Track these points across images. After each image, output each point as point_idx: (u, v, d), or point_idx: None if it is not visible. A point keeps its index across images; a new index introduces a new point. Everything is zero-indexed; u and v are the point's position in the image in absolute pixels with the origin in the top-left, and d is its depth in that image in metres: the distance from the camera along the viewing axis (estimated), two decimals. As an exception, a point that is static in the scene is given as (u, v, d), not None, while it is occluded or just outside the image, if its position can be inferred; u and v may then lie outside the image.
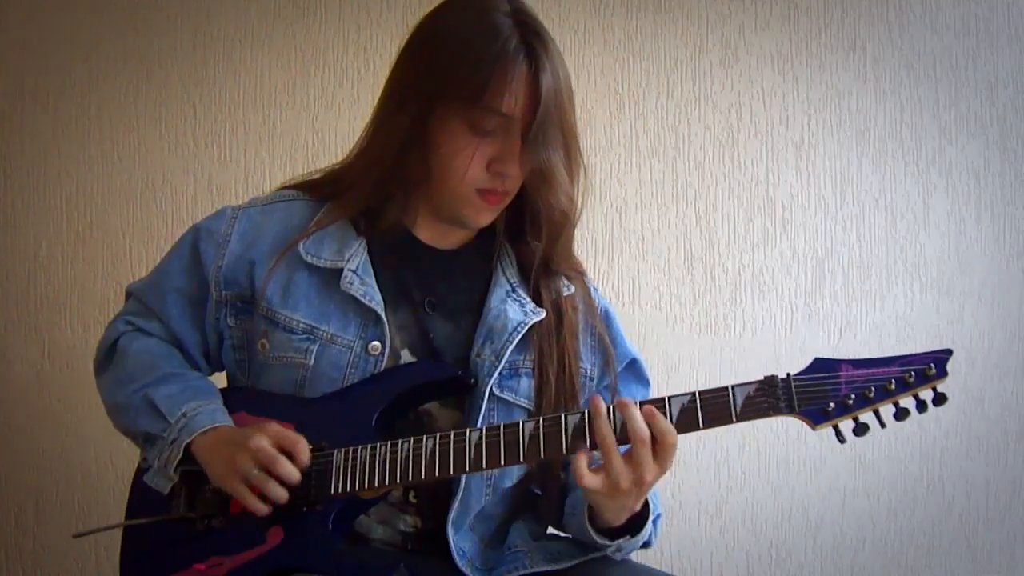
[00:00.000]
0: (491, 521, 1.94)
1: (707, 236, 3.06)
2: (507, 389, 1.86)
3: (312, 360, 1.82)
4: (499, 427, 1.69)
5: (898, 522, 3.14)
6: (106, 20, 2.90)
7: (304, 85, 2.95)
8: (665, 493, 3.01)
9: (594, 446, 1.63)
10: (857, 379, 1.57)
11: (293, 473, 1.70)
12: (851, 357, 1.59)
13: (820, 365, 1.61)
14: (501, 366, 1.83)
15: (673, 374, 3.04)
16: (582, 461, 1.62)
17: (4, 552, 2.91)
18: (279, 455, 1.70)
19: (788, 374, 1.61)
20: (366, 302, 1.82)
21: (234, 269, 1.90)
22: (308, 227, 1.89)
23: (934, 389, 1.56)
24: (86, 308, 2.90)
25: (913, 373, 1.55)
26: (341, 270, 1.84)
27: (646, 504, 1.75)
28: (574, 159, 1.85)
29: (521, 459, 1.68)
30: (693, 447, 3.05)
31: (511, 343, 1.84)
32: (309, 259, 1.85)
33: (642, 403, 1.64)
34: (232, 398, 1.89)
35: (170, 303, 1.95)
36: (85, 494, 2.90)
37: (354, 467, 1.73)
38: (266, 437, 1.70)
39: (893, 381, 1.55)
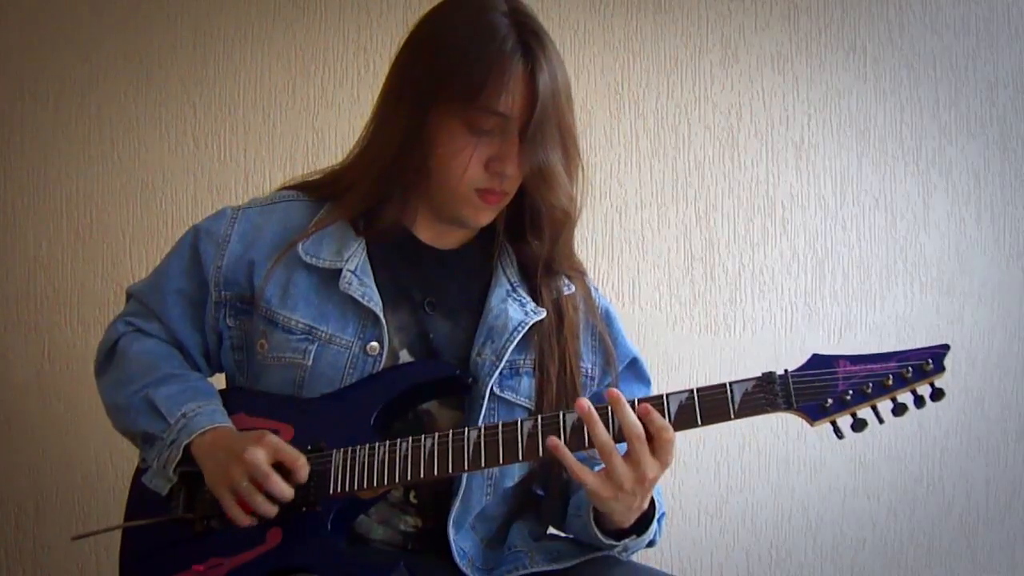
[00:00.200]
0: (492, 521, 1.94)
1: (707, 236, 3.06)
2: (508, 389, 1.86)
3: (310, 360, 1.82)
4: (498, 426, 1.69)
5: (898, 522, 3.14)
6: (106, 20, 2.90)
7: (304, 85, 2.95)
8: (665, 493, 2.97)
9: (592, 445, 1.63)
10: (855, 375, 1.57)
11: (285, 492, 1.70)
12: (849, 352, 1.59)
13: (817, 361, 1.61)
14: (502, 366, 1.83)
15: (673, 374, 3.04)
16: (626, 468, 1.62)
17: (4, 552, 2.91)
18: (271, 473, 1.69)
19: (786, 370, 1.61)
20: (364, 302, 1.82)
21: (234, 269, 1.90)
22: (307, 228, 1.89)
23: (932, 385, 1.56)
24: (86, 308, 2.90)
25: (910, 369, 1.55)
26: (340, 270, 1.84)
27: (652, 503, 1.75)
28: (573, 159, 1.85)
29: (520, 457, 1.68)
30: (693, 447, 3.05)
31: (512, 343, 1.84)
32: (308, 259, 1.85)
33: (639, 401, 1.65)
34: (231, 399, 1.89)
35: (170, 304, 1.95)
36: (85, 494, 2.90)
37: (353, 467, 1.73)
38: (262, 450, 1.70)
39: (891, 377, 1.55)
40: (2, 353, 2.90)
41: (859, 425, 1.58)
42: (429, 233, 1.92)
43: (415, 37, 1.86)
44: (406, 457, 1.71)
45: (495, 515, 1.94)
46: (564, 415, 1.66)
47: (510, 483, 1.90)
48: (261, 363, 1.87)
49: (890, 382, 1.55)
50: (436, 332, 1.88)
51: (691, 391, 1.62)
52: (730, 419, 1.60)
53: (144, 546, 1.87)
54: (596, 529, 1.77)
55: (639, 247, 3.04)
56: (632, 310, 3.02)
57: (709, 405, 1.61)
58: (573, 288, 1.96)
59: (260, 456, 1.69)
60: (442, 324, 1.88)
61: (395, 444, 1.72)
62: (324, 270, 1.85)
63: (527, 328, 1.86)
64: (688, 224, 3.06)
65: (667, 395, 1.63)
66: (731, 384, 1.61)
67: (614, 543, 1.78)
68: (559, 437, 1.64)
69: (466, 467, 1.69)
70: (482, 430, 1.69)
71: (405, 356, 1.86)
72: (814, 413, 1.58)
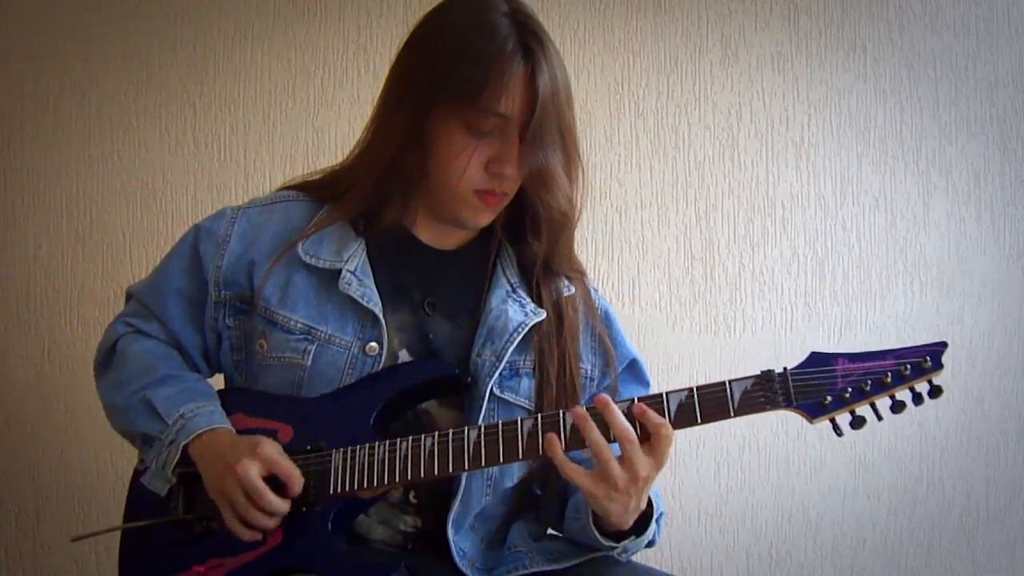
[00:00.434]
0: (491, 521, 1.94)
1: (707, 236, 3.06)
2: (507, 389, 1.86)
3: (310, 360, 1.82)
4: (498, 425, 1.69)
5: (898, 522, 3.14)
6: (106, 20, 2.90)
7: (304, 85, 2.95)
8: (665, 493, 3.01)
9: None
10: (853, 372, 1.57)
11: (280, 508, 1.70)
12: (847, 351, 1.60)
13: (816, 359, 1.61)
14: (501, 366, 1.84)
15: (673, 374, 3.04)
16: (621, 470, 1.62)
17: (4, 552, 2.91)
18: (265, 492, 1.68)
19: (785, 368, 1.61)
20: (364, 303, 1.82)
21: (233, 269, 1.90)
22: (307, 228, 1.89)
23: (930, 382, 1.57)
24: (86, 308, 2.90)
25: (909, 366, 1.55)
26: (340, 271, 1.84)
27: (650, 503, 1.75)
28: (573, 160, 1.85)
29: (520, 457, 1.68)
30: (693, 447, 3.05)
31: (512, 343, 1.84)
32: (308, 259, 1.85)
33: (637, 399, 1.65)
34: (229, 399, 1.89)
35: (170, 304, 1.95)
36: (85, 494, 2.91)
37: (353, 467, 1.73)
38: (255, 465, 1.69)
39: (889, 374, 1.56)
40: (2, 353, 2.90)
41: (858, 422, 1.58)
42: (429, 234, 1.93)
43: (415, 37, 1.86)
44: (406, 457, 1.71)
45: (495, 515, 1.94)
46: (564, 414, 1.67)
47: (509, 483, 1.91)
48: (260, 363, 1.87)
49: (888, 379, 1.56)
50: (436, 333, 1.88)
51: (691, 389, 1.63)
52: (730, 417, 1.61)
53: (144, 547, 1.87)
54: (595, 531, 1.77)
55: (639, 247, 3.04)
56: (632, 310, 3.02)
57: (709, 403, 1.62)
58: (573, 289, 1.96)
59: (252, 472, 1.69)
60: (442, 325, 1.89)
61: (395, 444, 1.72)
62: (324, 270, 1.85)
63: (527, 329, 1.86)
64: (688, 224, 3.06)
65: (667, 393, 1.64)
66: (731, 382, 1.61)
67: (613, 544, 1.78)
68: (559, 436, 1.65)
69: (466, 466, 1.69)
70: (482, 429, 1.69)
71: (405, 356, 1.86)
72: (813, 411, 1.58)
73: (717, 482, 3.08)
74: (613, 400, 1.65)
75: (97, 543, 2.86)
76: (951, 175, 3.15)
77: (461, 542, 1.86)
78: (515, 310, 1.88)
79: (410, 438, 1.72)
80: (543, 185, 1.82)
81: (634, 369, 2.04)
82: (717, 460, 3.07)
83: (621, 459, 1.62)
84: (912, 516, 3.15)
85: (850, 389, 1.57)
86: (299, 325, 1.83)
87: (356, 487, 1.72)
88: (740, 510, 3.09)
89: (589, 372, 1.96)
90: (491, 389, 1.83)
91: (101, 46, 2.91)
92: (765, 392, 1.60)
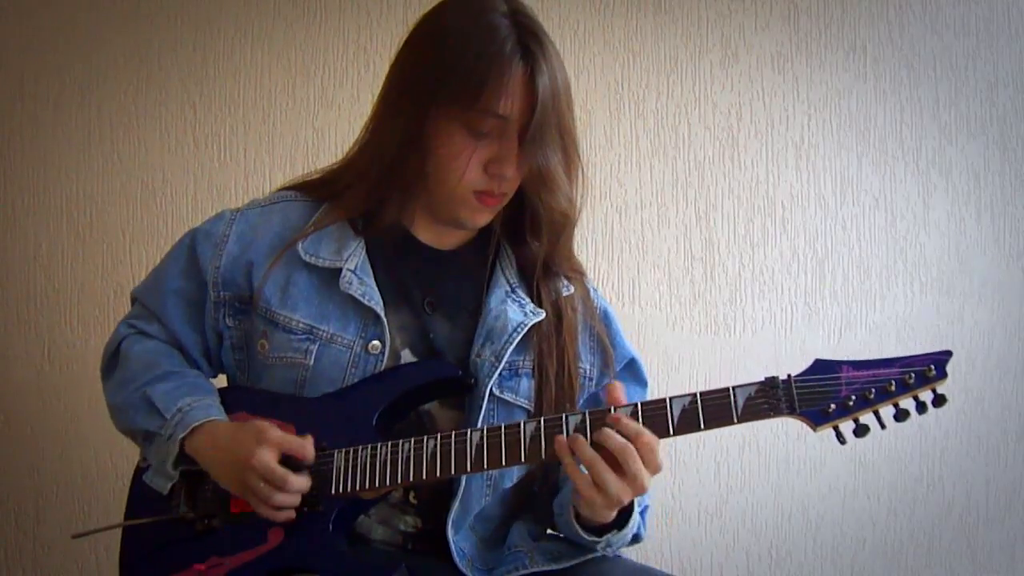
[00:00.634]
0: (491, 521, 1.94)
1: (707, 236, 3.06)
2: (507, 390, 1.86)
3: (312, 360, 1.82)
4: (500, 428, 1.69)
5: (898, 522, 3.14)
6: (106, 19, 2.90)
7: (304, 85, 2.95)
8: (665, 493, 3.02)
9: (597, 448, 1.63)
10: (857, 380, 1.57)
11: (304, 485, 1.71)
12: (851, 358, 1.59)
13: (821, 366, 1.60)
14: (501, 367, 1.83)
15: (673, 374, 3.04)
16: (595, 492, 1.62)
17: (4, 552, 2.91)
18: (287, 475, 1.68)
19: (789, 375, 1.61)
20: (365, 302, 1.82)
21: (232, 270, 1.90)
22: (306, 227, 1.89)
23: (934, 391, 1.56)
24: (86, 308, 2.90)
25: (913, 375, 1.55)
26: (340, 270, 1.84)
27: None
28: (572, 161, 1.85)
29: (522, 460, 1.68)
30: (693, 447, 3.05)
31: (511, 344, 1.84)
32: (308, 259, 1.85)
33: (613, 409, 1.65)
34: (231, 397, 1.89)
35: (169, 305, 1.95)
36: (85, 494, 2.91)
37: (355, 468, 1.73)
38: (268, 450, 1.69)
39: (893, 382, 1.55)
40: (2, 353, 2.90)
41: (861, 430, 1.58)
42: (428, 233, 1.92)
43: (414, 37, 1.86)
44: (408, 458, 1.71)
45: (494, 515, 1.94)
46: (567, 417, 1.66)
47: (509, 483, 1.91)
48: (262, 363, 1.87)
49: (892, 388, 1.55)
50: (436, 332, 1.88)
51: (694, 395, 1.62)
52: (733, 424, 1.60)
53: (144, 545, 1.87)
54: (577, 526, 1.77)
55: (639, 247, 3.04)
56: (632, 310, 3.02)
57: (712, 409, 1.61)
58: (572, 289, 1.96)
59: (269, 460, 1.68)
60: (442, 324, 1.89)
61: (397, 445, 1.72)
62: (324, 270, 1.85)
63: (526, 329, 1.86)
64: (688, 224, 3.06)
65: (670, 399, 1.63)
66: (734, 388, 1.61)
67: (596, 539, 1.78)
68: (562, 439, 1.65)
69: (468, 468, 1.69)
70: (484, 432, 1.69)
71: (407, 355, 1.86)
72: (817, 418, 1.58)
73: (717, 482, 3.08)
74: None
75: (97, 543, 2.86)
76: (951, 175, 3.15)
77: (461, 542, 1.86)
78: (514, 310, 1.88)
79: (412, 439, 1.72)
80: (543, 186, 1.82)
81: (633, 368, 2.03)
82: (717, 460, 3.07)
83: (620, 473, 1.61)
84: (912, 516, 3.15)
85: (854, 397, 1.56)
86: (301, 325, 1.83)
87: (358, 488, 1.72)
88: (740, 510, 3.09)
89: (588, 372, 1.96)
90: (491, 389, 1.83)
91: (101, 46, 2.90)
92: (769, 399, 1.60)
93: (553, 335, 1.90)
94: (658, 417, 1.62)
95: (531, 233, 1.91)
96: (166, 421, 1.80)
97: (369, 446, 1.73)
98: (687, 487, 3.06)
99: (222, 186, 2.91)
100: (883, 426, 1.57)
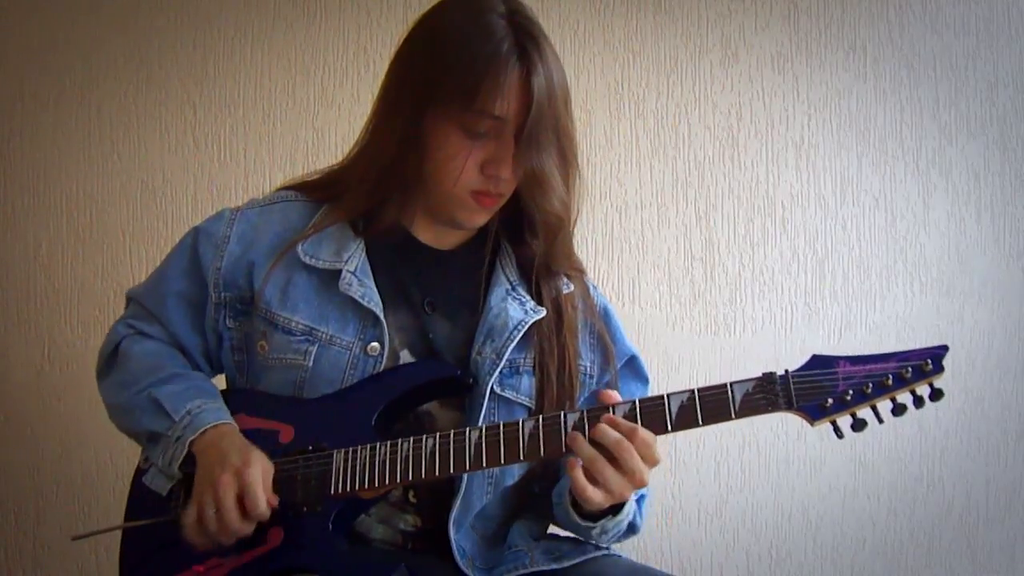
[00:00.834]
0: (492, 520, 1.94)
1: (707, 236, 3.06)
2: (508, 387, 1.86)
3: (311, 361, 1.83)
4: (499, 426, 1.69)
5: (898, 522, 3.14)
6: (106, 20, 2.90)
7: (304, 85, 2.95)
8: (665, 493, 3.02)
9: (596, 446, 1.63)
10: (855, 375, 1.57)
11: (240, 531, 1.69)
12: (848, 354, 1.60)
13: (818, 361, 1.61)
14: (502, 364, 1.84)
15: (673, 374, 3.04)
16: (579, 474, 1.62)
17: (4, 552, 2.91)
18: (233, 514, 1.67)
19: (786, 370, 1.61)
20: (364, 303, 1.82)
21: (233, 271, 1.90)
22: (306, 229, 1.89)
23: (931, 385, 1.57)
24: (86, 308, 2.90)
25: (910, 369, 1.55)
26: (340, 271, 1.84)
27: None
28: (569, 162, 1.85)
29: (521, 458, 1.68)
30: (693, 447, 3.05)
31: (512, 341, 1.84)
32: (308, 260, 1.85)
33: (610, 407, 1.66)
34: (231, 399, 1.89)
35: (170, 306, 1.95)
36: (85, 494, 2.91)
37: (354, 467, 1.73)
38: (236, 486, 1.67)
39: (890, 377, 1.56)
40: (2, 353, 2.90)
41: (859, 425, 1.59)
42: (428, 234, 1.93)
43: (412, 38, 1.86)
44: (407, 457, 1.71)
45: (495, 514, 1.94)
46: (565, 415, 1.67)
47: (510, 482, 1.91)
48: (262, 364, 1.88)
49: (889, 382, 1.56)
50: (436, 332, 1.88)
51: (692, 391, 1.63)
52: (731, 419, 1.60)
53: (144, 546, 1.87)
54: (574, 512, 1.78)
55: (639, 247, 3.04)
56: (632, 310, 3.02)
57: (710, 405, 1.62)
58: (572, 287, 1.96)
59: (229, 490, 1.67)
60: (442, 324, 1.89)
61: (396, 444, 1.72)
62: (324, 271, 1.85)
63: (527, 327, 1.86)
64: (688, 224, 3.06)
65: (668, 395, 1.63)
66: (732, 384, 1.61)
67: (591, 524, 1.79)
68: (560, 437, 1.65)
69: (467, 467, 1.69)
70: (483, 430, 1.69)
71: (406, 356, 1.86)
72: (814, 413, 1.58)
73: (717, 482, 3.08)
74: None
75: (97, 543, 2.86)
76: (951, 175, 3.15)
77: (462, 541, 1.86)
78: (515, 308, 1.88)
79: (411, 439, 1.72)
80: (537, 188, 1.82)
81: (633, 365, 2.04)
82: (717, 460, 3.07)
83: (619, 468, 1.62)
84: (912, 516, 3.15)
85: (851, 391, 1.57)
86: (300, 326, 1.83)
87: (357, 487, 1.72)
88: (740, 510, 3.09)
89: (588, 369, 1.96)
90: (491, 387, 1.83)
91: (101, 46, 2.91)
92: (766, 394, 1.60)
93: (553, 333, 1.90)
94: (656, 413, 1.63)
95: (530, 232, 1.92)
96: (174, 423, 1.80)
97: (368, 446, 1.73)
98: (687, 487, 3.06)
99: (222, 186, 2.92)
100: (880, 420, 1.58)
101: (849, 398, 1.57)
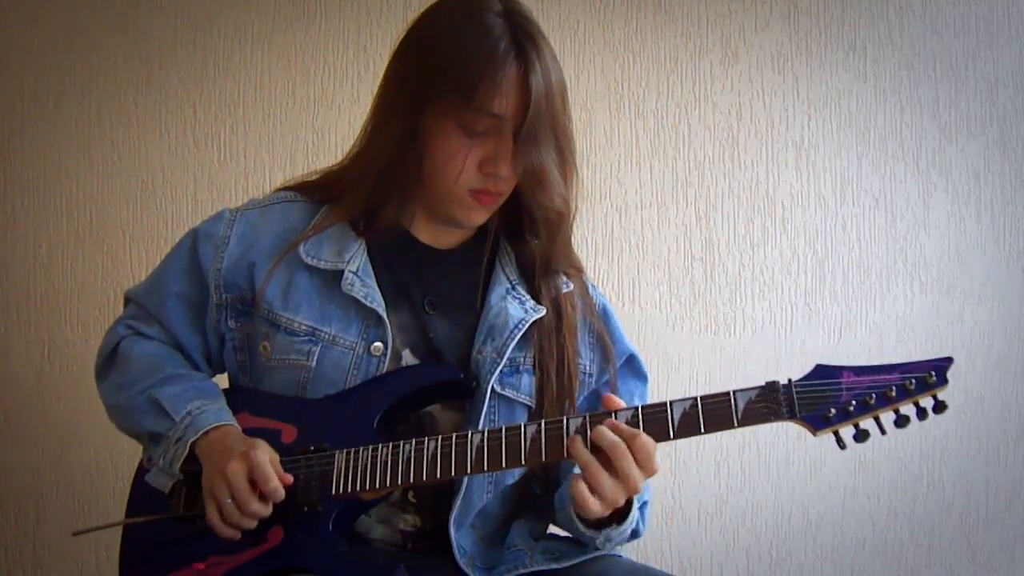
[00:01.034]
0: (492, 520, 1.95)
1: (707, 236, 3.06)
2: (508, 386, 1.87)
3: (314, 362, 1.83)
4: (501, 430, 1.69)
5: (898, 522, 3.14)
6: (106, 20, 2.90)
7: (304, 85, 2.95)
8: (665, 493, 3.02)
9: (595, 450, 1.63)
10: (858, 386, 1.57)
11: (261, 512, 1.70)
12: (851, 363, 1.60)
13: (822, 371, 1.61)
14: (503, 363, 1.84)
15: (673, 374, 3.04)
16: (583, 488, 1.63)
17: (4, 552, 2.91)
18: (250, 494, 1.68)
19: (790, 380, 1.61)
20: (367, 303, 1.82)
21: (233, 271, 1.90)
22: (307, 229, 1.89)
23: (934, 397, 1.57)
24: (86, 308, 2.90)
25: (914, 380, 1.55)
26: (342, 272, 1.84)
27: None
28: (567, 160, 1.85)
29: (523, 462, 1.68)
30: (693, 447, 3.05)
31: (512, 340, 1.85)
32: (309, 260, 1.86)
33: (606, 413, 1.66)
34: (234, 399, 1.90)
35: (170, 307, 1.95)
36: (85, 494, 2.91)
37: (355, 468, 1.73)
38: (245, 467, 1.69)
39: (894, 388, 1.56)
40: (2, 353, 2.90)
41: (861, 436, 1.59)
42: (427, 233, 1.93)
43: (410, 37, 1.86)
44: (409, 459, 1.71)
45: (495, 514, 1.95)
46: (568, 420, 1.67)
47: (511, 481, 1.91)
48: (264, 364, 1.88)
49: (893, 393, 1.56)
50: (436, 331, 1.88)
51: (695, 399, 1.62)
52: (733, 427, 1.60)
53: (144, 544, 1.88)
54: (577, 521, 1.78)
55: (639, 247, 3.04)
56: (632, 310, 3.02)
57: (712, 413, 1.61)
58: (571, 286, 1.96)
59: (241, 472, 1.69)
60: (442, 323, 1.89)
61: (398, 446, 1.72)
62: (325, 271, 1.86)
63: (527, 325, 1.86)
64: (688, 224, 3.06)
65: (671, 402, 1.63)
66: (735, 393, 1.61)
67: (595, 534, 1.79)
68: (561, 442, 1.66)
69: (468, 470, 1.69)
70: (485, 434, 1.69)
71: (408, 356, 1.86)
72: (817, 423, 1.58)
73: (717, 482, 3.08)
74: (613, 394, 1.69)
75: (97, 543, 2.87)
76: (951, 175, 3.15)
77: (462, 540, 1.86)
78: (515, 307, 1.88)
79: (413, 441, 1.72)
80: (537, 185, 1.82)
81: (632, 364, 2.04)
82: (717, 460, 3.07)
83: (613, 474, 1.62)
84: (912, 516, 3.15)
85: (854, 402, 1.56)
86: (303, 327, 1.84)
87: (359, 488, 1.73)
88: (740, 510, 3.09)
89: (587, 368, 1.96)
90: (492, 386, 1.83)
91: (101, 46, 2.91)
92: (769, 403, 1.60)
93: (553, 332, 1.91)
94: (659, 421, 1.63)
95: (529, 231, 1.92)
96: (175, 424, 1.80)
97: (370, 447, 1.73)
98: (687, 487, 3.06)
99: (222, 186, 2.92)
100: (883, 431, 1.58)
101: (852, 409, 1.57)
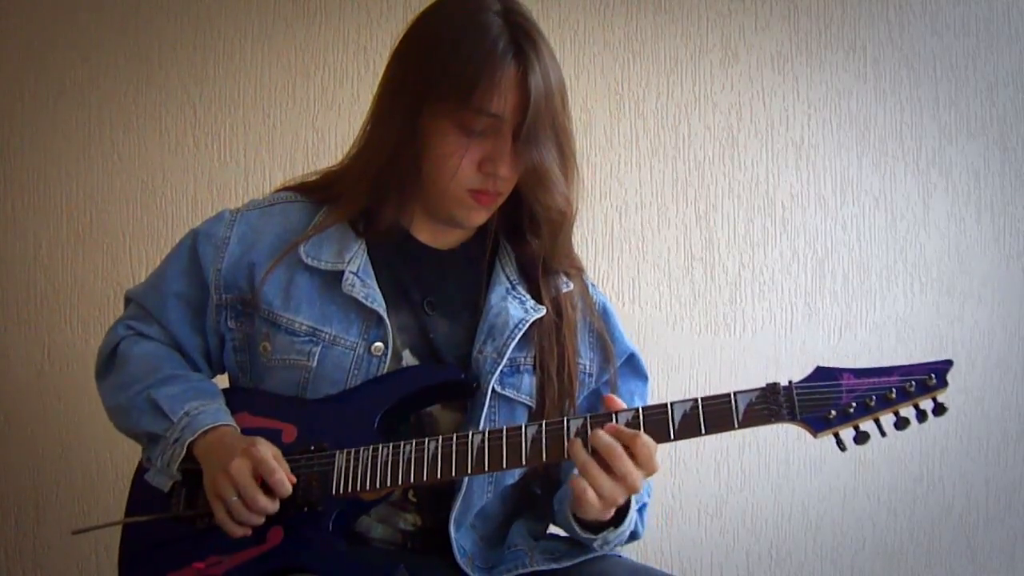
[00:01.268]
0: (492, 519, 1.95)
1: (707, 236, 3.06)
2: (509, 386, 1.87)
3: (315, 362, 1.83)
4: (501, 430, 1.69)
5: (898, 522, 3.14)
6: (106, 20, 2.90)
7: (304, 85, 2.95)
8: (665, 493, 3.02)
9: (594, 451, 1.63)
10: (858, 388, 1.58)
11: (269, 508, 1.70)
12: (851, 363, 1.60)
13: (822, 373, 1.61)
14: (503, 363, 1.84)
15: (673, 374, 3.04)
16: (583, 487, 1.63)
17: (4, 552, 2.91)
18: (256, 490, 1.68)
19: (790, 381, 1.62)
20: (368, 304, 1.82)
21: (233, 272, 1.90)
22: (307, 230, 1.90)
23: (934, 399, 1.57)
24: (86, 308, 2.90)
25: (914, 383, 1.56)
26: (342, 272, 1.84)
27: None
28: (568, 159, 1.85)
29: (523, 463, 1.68)
30: (693, 447, 3.05)
31: (512, 340, 1.85)
32: (309, 261, 1.86)
33: (607, 415, 1.66)
34: (234, 399, 1.90)
35: (169, 307, 1.95)
36: (85, 494, 2.91)
37: (356, 468, 1.73)
38: (248, 463, 1.69)
39: (894, 390, 1.56)
40: (2, 353, 2.90)
41: (861, 438, 1.60)
42: (427, 233, 1.93)
43: (409, 36, 1.87)
44: (409, 459, 1.71)
45: (495, 514, 1.95)
46: (568, 421, 1.67)
47: (511, 481, 1.91)
48: (264, 364, 1.88)
49: (893, 395, 1.56)
50: (436, 332, 1.88)
51: (695, 400, 1.63)
52: (734, 429, 1.61)
53: (144, 544, 1.88)
54: (575, 524, 1.78)
55: (639, 247, 3.04)
56: (632, 310, 3.02)
57: (713, 415, 1.62)
58: (571, 286, 1.97)
59: (245, 470, 1.69)
60: (442, 323, 1.89)
61: (398, 446, 1.72)
62: (326, 272, 1.86)
63: (527, 325, 1.87)
64: (688, 224, 3.06)
65: (671, 404, 1.64)
66: (735, 394, 1.62)
67: (593, 536, 1.79)
68: (562, 443, 1.66)
69: (469, 470, 1.70)
70: (486, 434, 1.70)
71: (408, 356, 1.87)
72: (817, 425, 1.59)
73: (717, 482, 3.08)
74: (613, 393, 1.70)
75: (97, 543, 2.86)
76: (951, 175, 3.15)
77: (462, 540, 1.86)
78: (515, 307, 1.88)
79: (414, 441, 1.72)
80: (539, 184, 1.82)
81: (632, 363, 2.04)
82: (717, 460, 3.07)
83: (612, 475, 1.62)
84: (912, 516, 3.15)
85: (855, 404, 1.57)
86: (303, 327, 1.84)
87: (359, 488, 1.73)
88: (740, 510, 3.09)
89: (587, 368, 1.97)
90: (492, 386, 1.84)
91: (101, 46, 2.90)
92: (769, 405, 1.60)
93: (553, 332, 1.91)
94: (659, 422, 1.63)
95: (530, 231, 1.92)
96: (172, 424, 1.81)
97: (371, 447, 1.74)
98: (687, 487, 3.06)
99: (222, 186, 2.91)
100: (883, 433, 1.59)
101: (852, 411, 1.57)
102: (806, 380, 1.61)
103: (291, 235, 1.90)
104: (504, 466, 1.68)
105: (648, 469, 1.62)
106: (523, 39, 1.76)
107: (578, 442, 1.63)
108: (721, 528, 3.09)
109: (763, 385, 1.62)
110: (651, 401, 2.03)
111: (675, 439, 1.63)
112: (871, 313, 3.12)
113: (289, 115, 2.94)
